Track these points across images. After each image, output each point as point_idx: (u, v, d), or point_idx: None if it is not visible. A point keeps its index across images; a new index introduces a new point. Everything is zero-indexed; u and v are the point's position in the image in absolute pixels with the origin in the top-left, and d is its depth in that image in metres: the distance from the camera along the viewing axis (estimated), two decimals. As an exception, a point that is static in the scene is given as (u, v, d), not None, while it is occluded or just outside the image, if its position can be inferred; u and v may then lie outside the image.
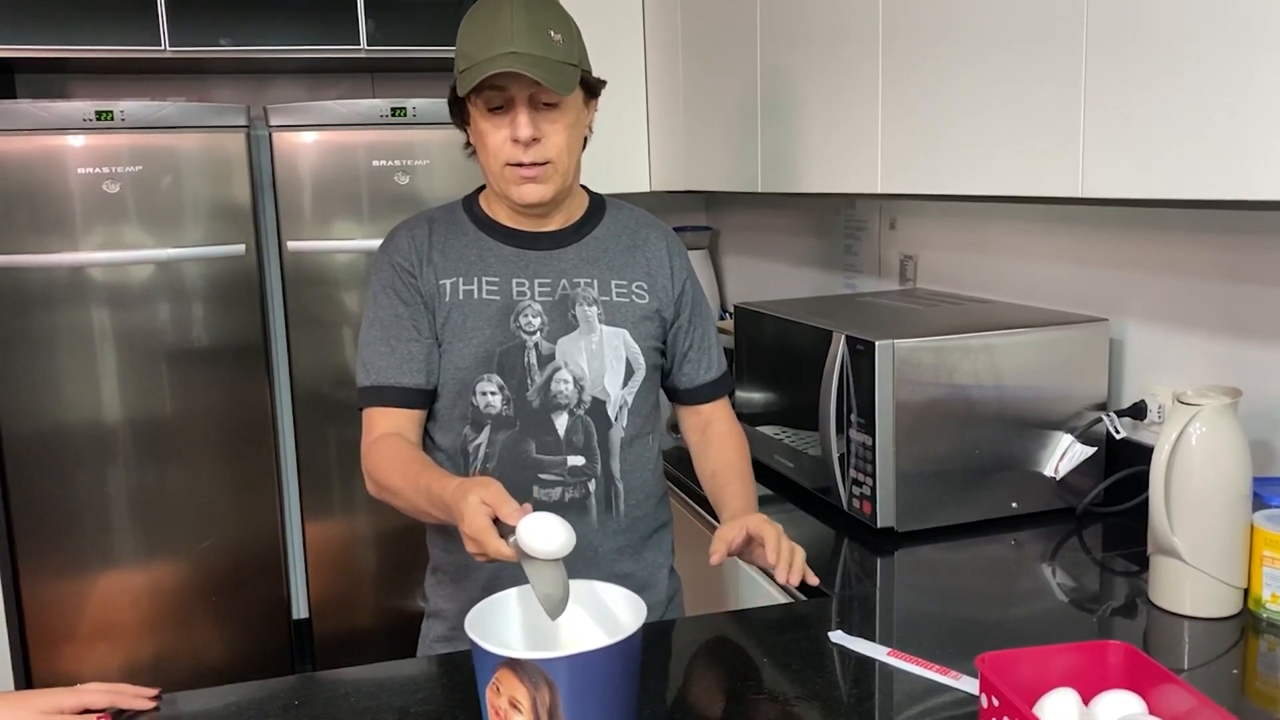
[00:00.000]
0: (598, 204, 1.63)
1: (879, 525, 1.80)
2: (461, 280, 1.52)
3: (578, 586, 1.20)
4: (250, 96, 3.40)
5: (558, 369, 1.51)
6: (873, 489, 1.79)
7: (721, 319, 3.36)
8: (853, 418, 1.83)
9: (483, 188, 1.61)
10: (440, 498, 1.29)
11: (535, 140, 1.44)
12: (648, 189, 3.20)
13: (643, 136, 3.18)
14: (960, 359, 1.80)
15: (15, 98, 3.20)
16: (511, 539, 1.13)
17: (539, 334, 1.51)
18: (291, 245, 3.00)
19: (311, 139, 3.01)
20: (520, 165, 1.46)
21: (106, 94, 3.24)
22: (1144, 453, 1.86)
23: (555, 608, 1.13)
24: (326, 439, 3.18)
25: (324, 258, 3.06)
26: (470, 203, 1.60)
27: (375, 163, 3.05)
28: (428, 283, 1.52)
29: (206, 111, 2.91)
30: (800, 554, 1.40)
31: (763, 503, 1.65)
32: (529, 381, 1.50)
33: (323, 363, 3.13)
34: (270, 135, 2.98)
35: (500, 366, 1.50)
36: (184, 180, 2.90)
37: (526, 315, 1.51)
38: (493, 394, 1.50)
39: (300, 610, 3.42)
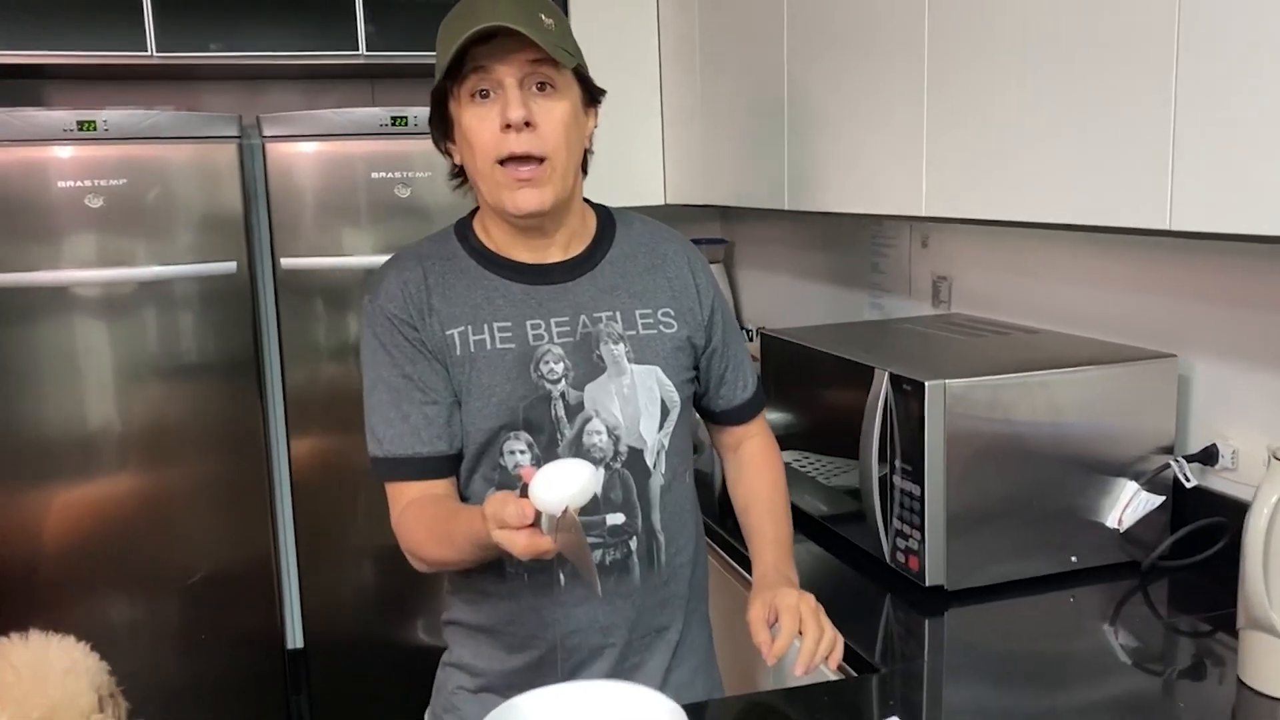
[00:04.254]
0: (606, 221, 1.47)
1: (928, 583, 1.63)
2: (470, 329, 1.35)
3: (609, 689, 1.05)
4: (246, 104, 3.23)
5: (589, 419, 1.35)
6: (920, 543, 1.63)
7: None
8: (898, 464, 1.67)
9: (475, 212, 1.45)
10: (485, 543, 1.15)
11: (529, 126, 1.28)
12: (662, 202, 3.04)
13: (657, 145, 3.02)
14: (1017, 400, 1.63)
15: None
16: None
17: (564, 381, 1.35)
18: (285, 262, 2.83)
19: (306, 150, 2.84)
20: (514, 162, 1.29)
21: (91, 102, 3.07)
22: (1215, 502, 1.70)
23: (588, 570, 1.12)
24: (322, 463, 3.02)
25: (320, 275, 2.89)
26: (464, 231, 1.43)
27: (374, 174, 2.88)
28: (433, 335, 1.35)
29: (195, 121, 2.74)
30: (824, 643, 1.27)
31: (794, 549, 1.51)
32: (559, 436, 1.34)
33: (318, 384, 2.97)
34: (263, 146, 2.81)
35: (527, 422, 1.34)
36: (171, 194, 2.74)
37: (548, 362, 1.35)
38: (522, 452, 1.34)
39: (295, 639, 3.26)
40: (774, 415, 2.07)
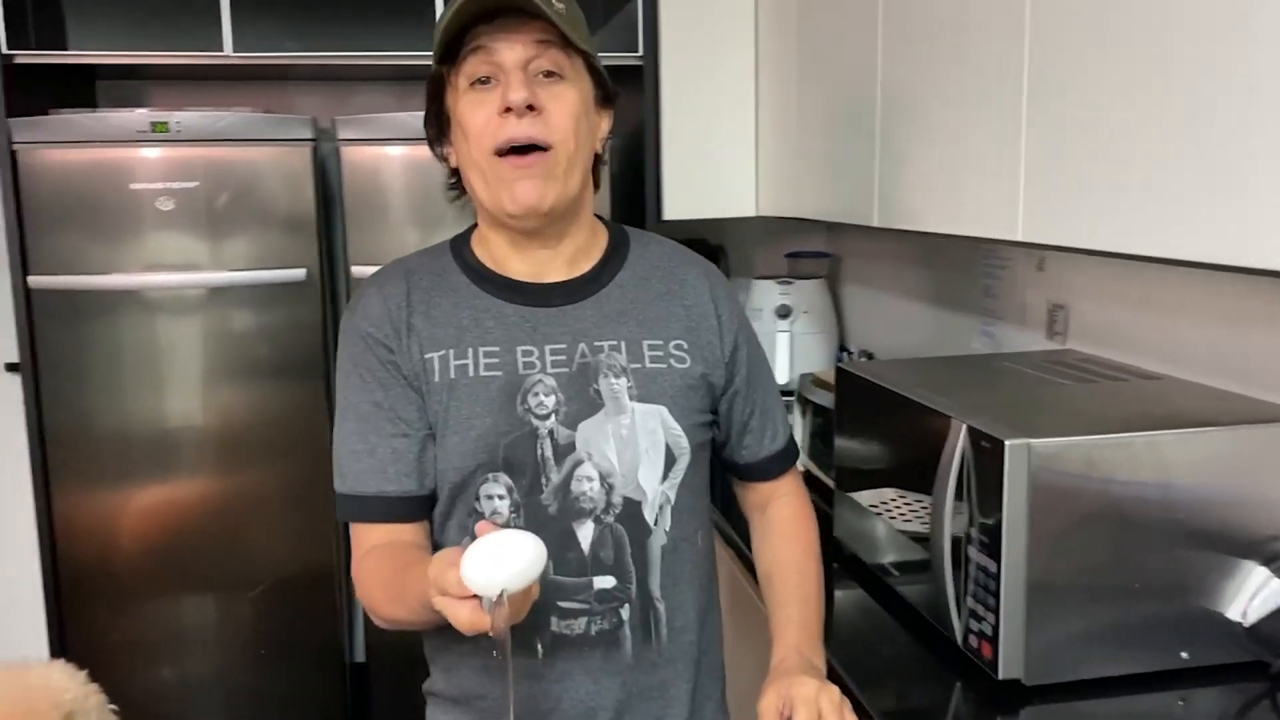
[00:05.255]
0: (620, 240, 1.30)
1: (1001, 675, 1.39)
2: (453, 354, 1.20)
3: None
4: (336, 107, 3.15)
5: (579, 463, 1.18)
6: (995, 627, 1.39)
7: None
8: (973, 533, 1.43)
9: (474, 228, 1.30)
10: (431, 607, 1.01)
11: (532, 110, 1.13)
12: (754, 213, 2.83)
13: (750, 155, 2.80)
14: (1118, 464, 1.37)
15: (95, 106, 3.04)
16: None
17: (554, 417, 1.18)
18: (357, 270, 2.73)
19: (383, 154, 2.74)
20: (514, 154, 1.14)
21: (174, 103, 3.04)
22: (1367, 596, 1.41)
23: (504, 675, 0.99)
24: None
25: (394, 284, 2.79)
26: (459, 246, 1.28)
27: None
28: (410, 358, 1.20)
29: (269, 123, 2.67)
30: None
31: (842, 616, 1.29)
32: (543, 481, 1.18)
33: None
34: (338, 150, 2.72)
35: (507, 463, 1.17)
36: (243, 197, 2.67)
37: (537, 394, 1.18)
38: (500, 497, 1.18)
39: (357, 654, 3.18)
40: (851, 461, 1.85)
